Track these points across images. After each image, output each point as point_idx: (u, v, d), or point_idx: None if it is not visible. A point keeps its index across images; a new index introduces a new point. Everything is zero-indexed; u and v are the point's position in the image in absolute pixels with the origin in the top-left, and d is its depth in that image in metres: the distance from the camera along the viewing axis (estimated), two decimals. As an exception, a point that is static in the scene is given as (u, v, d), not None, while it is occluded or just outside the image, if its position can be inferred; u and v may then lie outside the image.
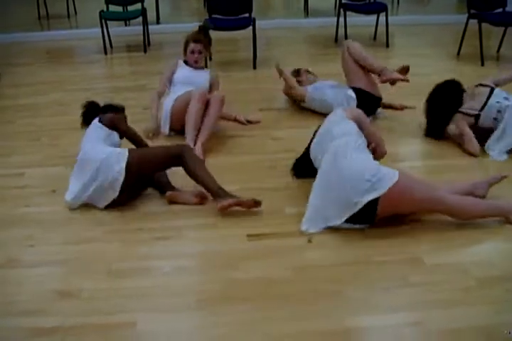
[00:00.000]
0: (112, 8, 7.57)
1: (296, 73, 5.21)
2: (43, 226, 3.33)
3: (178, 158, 3.45)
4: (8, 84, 6.14)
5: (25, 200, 3.64)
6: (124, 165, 3.36)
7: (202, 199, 3.49)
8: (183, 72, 4.72)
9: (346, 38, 6.99)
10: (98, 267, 2.92)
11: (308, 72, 5.25)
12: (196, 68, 4.76)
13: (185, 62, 4.79)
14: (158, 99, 4.68)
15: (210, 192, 3.41)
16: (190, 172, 3.47)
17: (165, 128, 4.55)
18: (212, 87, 4.74)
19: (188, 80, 4.64)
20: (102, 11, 7.21)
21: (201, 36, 4.71)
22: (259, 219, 3.30)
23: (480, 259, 2.92)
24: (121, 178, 3.35)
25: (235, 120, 4.78)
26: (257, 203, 3.33)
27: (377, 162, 3.20)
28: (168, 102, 4.54)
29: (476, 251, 3.02)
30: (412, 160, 4.15)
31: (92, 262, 2.96)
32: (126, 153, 3.41)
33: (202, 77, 4.72)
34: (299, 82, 5.05)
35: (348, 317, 2.52)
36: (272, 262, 2.91)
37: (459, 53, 6.71)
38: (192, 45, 4.67)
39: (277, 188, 3.63)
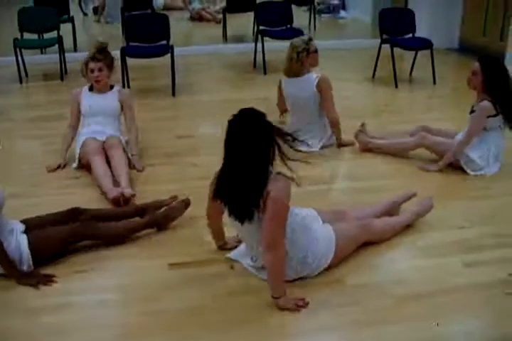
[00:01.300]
0: (27, 35, 7.42)
1: None
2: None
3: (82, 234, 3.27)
4: None
5: None
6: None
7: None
8: (87, 101, 4.41)
9: (264, 63, 7.09)
10: (12, 305, 2.81)
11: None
12: (101, 92, 4.42)
13: (91, 88, 4.47)
14: (71, 132, 4.46)
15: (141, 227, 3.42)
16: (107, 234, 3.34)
17: (74, 163, 4.38)
18: (123, 105, 4.46)
19: (96, 109, 4.37)
20: (17, 39, 7.05)
21: (100, 55, 4.32)
22: (179, 248, 3.28)
23: (397, 278, 2.98)
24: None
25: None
26: (187, 204, 3.45)
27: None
28: (79, 140, 4.38)
29: (391, 270, 3.09)
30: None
31: (12, 299, 2.86)
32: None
33: (109, 100, 4.42)
34: None
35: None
36: (194, 291, 2.88)
37: (373, 76, 6.92)
38: (91, 64, 4.29)
39: (196, 216, 3.58)
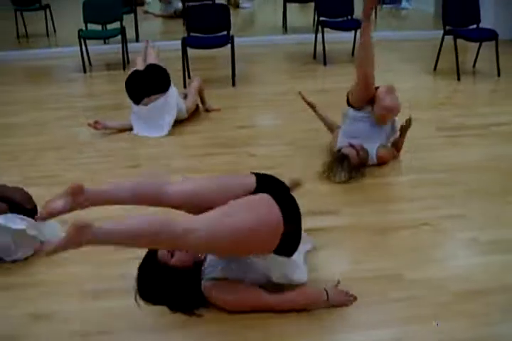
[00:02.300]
0: (91, 26, 7.58)
1: None
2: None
3: None
4: (-14, 104, 6.12)
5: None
6: None
7: None
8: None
9: (325, 54, 7.04)
10: (70, 289, 2.89)
11: None
12: None
13: None
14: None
15: None
16: None
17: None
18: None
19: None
20: (81, 29, 7.22)
21: None
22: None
23: (457, 274, 2.93)
24: None
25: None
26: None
27: None
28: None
29: (452, 266, 3.03)
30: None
31: (65, 284, 2.94)
32: None
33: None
34: None
35: (329, 334, 2.52)
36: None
37: (435, 69, 6.79)
38: None
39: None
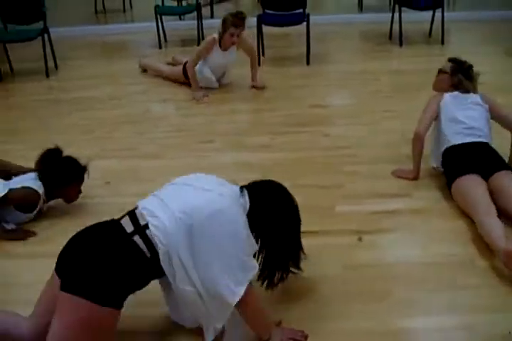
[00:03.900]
0: (167, 2, 7.64)
1: None
2: (98, 217, 3.38)
3: None
4: (64, 78, 6.28)
5: (80, 191, 3.71)
6: None
7: None
8: (216, 56, 5.38)
9: (401, 34, 6.88)
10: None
11: None
12: (226, 50, 5.36)
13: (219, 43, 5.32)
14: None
15: None
16: None
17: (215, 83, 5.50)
18: (244, 48, 5.49)
19: (220, 65, 5.48)
20: (158, 5, 7.29)
21: (242, 22, 5.19)
22: (309, 216, 3.28)
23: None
24: None
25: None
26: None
27: None
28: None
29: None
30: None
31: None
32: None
33: (232, 56, 5.46)
34: None
35: (396, 318, 2.49)
36: (323, 260, 2.89)
37: (516, 50, 6.54)
38: (232, 29, 5.18)
39: (328, 186, 3.60)
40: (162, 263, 2.13)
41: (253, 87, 5.51)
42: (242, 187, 2.38)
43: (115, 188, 3.74)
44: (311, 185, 3.60)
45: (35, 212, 3.33)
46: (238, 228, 2.18)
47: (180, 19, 8.36)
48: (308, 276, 2.76)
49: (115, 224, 2.25)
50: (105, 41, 7.96)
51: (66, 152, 3.34)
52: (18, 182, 3.29)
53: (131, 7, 9.58)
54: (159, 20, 7.24)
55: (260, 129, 4.58)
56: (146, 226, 2.15)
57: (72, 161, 3.34)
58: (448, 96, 3.61)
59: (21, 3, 6.40)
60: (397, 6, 6.99)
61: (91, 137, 4.58)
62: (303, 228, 3.15)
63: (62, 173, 3.30)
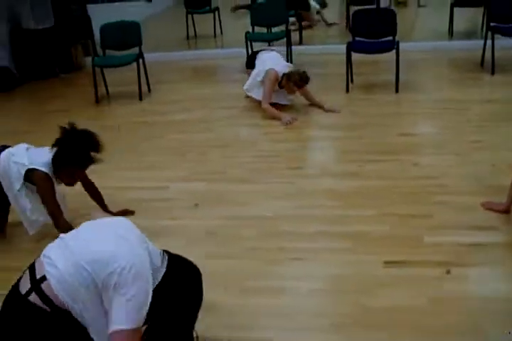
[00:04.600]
0: (257, 29, 7.80)
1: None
2: (186, 238, 3.49)
3: None
4: (156, 101, 6.52)
5: (169, 213, 3.84)
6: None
7: None
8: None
9: (493, 62, 6.74)
10: (235, 282, 3.02)
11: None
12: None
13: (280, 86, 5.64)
14: None
15: None
16: None
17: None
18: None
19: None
20: (248, 32, 7.45)
21: (305, 85, 5.60)
22: (396, 246, 3.27)
23: None
24: None
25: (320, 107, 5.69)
26: None
27: None
28: None
29: None
30: None
31: (230, 277, 3.07)
32: None
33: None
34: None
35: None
36: (408, 291, 2.87)
37: None
38: (294, 87, 5.56)
39: (416, 216, 3.57)
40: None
41: (328, 110, 5.64)
42: (164, 252, 2.27)
43: (203, 211, 3.83)
44: (398, 214, 3.58)
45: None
46: (148, 287, 2.03)
47: (269, 45, 8.50)
48: (392, 306, 2.75)
49: (13, 290, 2.08)
50: (196, 66, 8.21)
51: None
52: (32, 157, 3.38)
53: (221, 33, 9.85)
54: (249, 46, 7.39)
55: (348, 156, 4.59)
56: (44, 278, 2.00)
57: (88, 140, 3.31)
58: None
59: (120, 31, 6.74)
60: (489, 33, 6.88)
61: (181, 159, 4.72)
62: (391, 257, 3.16)
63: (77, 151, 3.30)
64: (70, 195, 3.70)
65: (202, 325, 2.64)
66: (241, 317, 2.74)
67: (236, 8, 11.98)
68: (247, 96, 6.07)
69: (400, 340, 2.54)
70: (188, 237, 3.52)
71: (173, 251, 3.27)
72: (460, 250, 3.18)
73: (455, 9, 8.80)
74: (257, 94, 5.74)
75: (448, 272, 2.99)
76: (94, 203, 3.72)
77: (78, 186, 3.58)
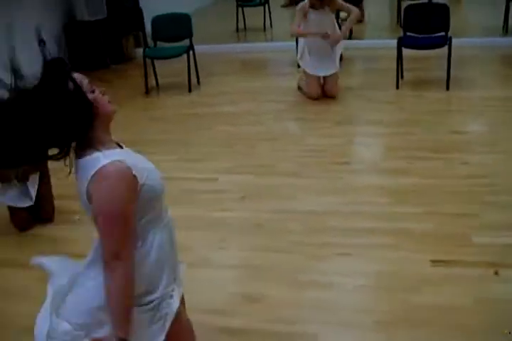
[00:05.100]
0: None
1: None
2: (235, 230, 3.54)
3: None
4: (205, 93, 6.57)
5: (219, 205, 3.89)
6: None
7: None
8: (313, 16, 5.72)
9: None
10: (281, 276, 3.05)
11: None
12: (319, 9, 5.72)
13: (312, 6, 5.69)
14: None
15: None
16: None
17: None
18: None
19: (318, 23, 5.73)
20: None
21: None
22: (443, 245, 3.25)
23: None
24: None
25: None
26: None
27: None
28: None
29: None
30: None
31: (276, 271, 3.10)
32: None
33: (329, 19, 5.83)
34: None
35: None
36: (454, 290, 2.86)
37: None
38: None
39: (464, 215, 3.53)
40: None
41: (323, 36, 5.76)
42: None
43: (251, 203, 3.87)
44: (446, 213, 3.56)
45: None
46: None
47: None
48: (436, 305, 2.75)
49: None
50: (245, 59, 8.24)
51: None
52: None
53: (271, 26, 9.85)
54: (299, 40, 7.36)
55: (396, 153, 4.56)
56: None
57: None
58: None
59: (171, 23, 6.81)
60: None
61: (230, 151, 4.77)
62: (438, 255, 3.15)
63: None
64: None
65: (247, 317, 2.70)
66: (285, 311, 2.77)
67: (287, 4, 11.95)
68: (299, 88, 6.09)
69: (442, 339, 2.54)
70: (237, 229, 3.57)
71: (222, 242, 3.38)
72: (509, 251, 3.15)
73: (511, 4, 8.63)
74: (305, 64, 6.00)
75: (496, 273, 2.97)
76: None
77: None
